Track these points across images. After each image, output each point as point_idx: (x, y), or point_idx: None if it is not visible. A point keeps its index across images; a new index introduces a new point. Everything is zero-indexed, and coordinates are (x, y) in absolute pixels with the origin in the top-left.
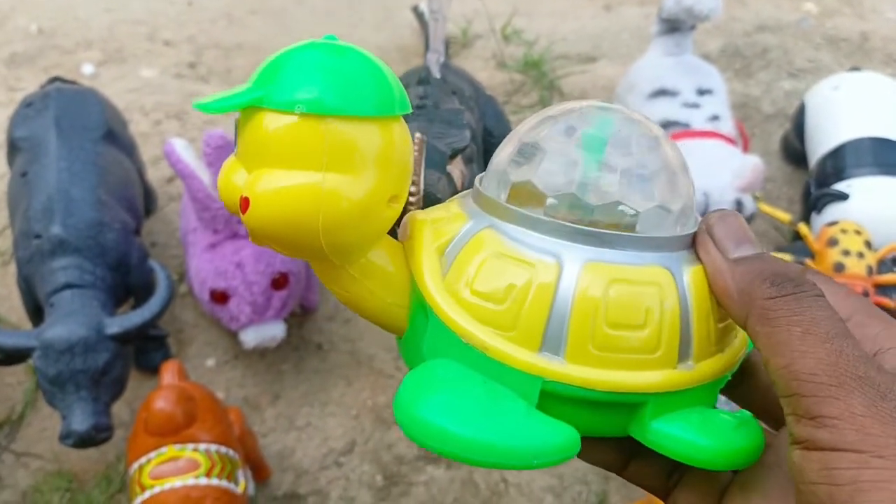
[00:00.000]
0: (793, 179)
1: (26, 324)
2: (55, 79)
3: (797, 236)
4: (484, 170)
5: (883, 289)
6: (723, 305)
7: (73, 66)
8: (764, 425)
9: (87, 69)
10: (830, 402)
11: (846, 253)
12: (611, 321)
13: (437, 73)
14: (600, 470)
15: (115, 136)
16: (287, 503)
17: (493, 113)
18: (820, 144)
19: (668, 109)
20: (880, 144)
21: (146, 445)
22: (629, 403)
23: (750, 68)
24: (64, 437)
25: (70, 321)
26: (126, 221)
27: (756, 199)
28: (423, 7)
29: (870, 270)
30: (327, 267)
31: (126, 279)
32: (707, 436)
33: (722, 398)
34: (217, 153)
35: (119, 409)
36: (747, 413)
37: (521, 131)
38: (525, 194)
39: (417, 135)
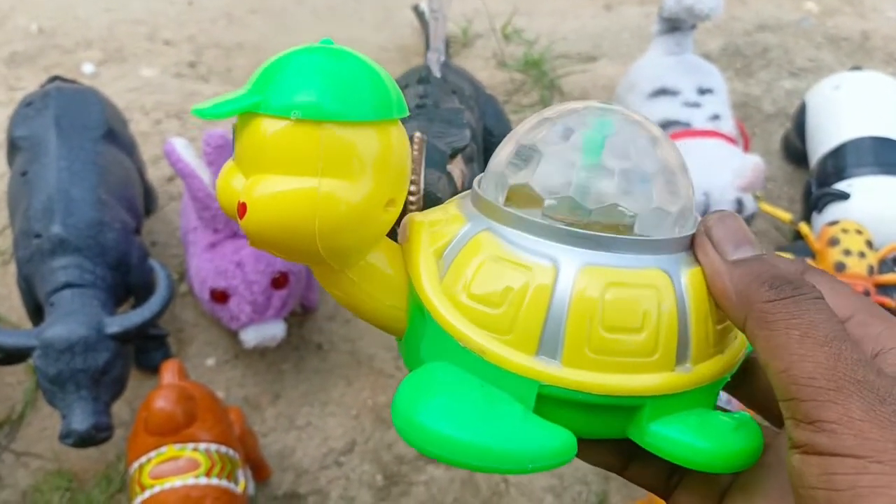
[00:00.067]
0: (793, 179)
1: (26, 323)
2: (55, 78)
3: (798, 236)
4: (484, 169)
5: (884, 288)
6: (721, 308)
7: (74, 65)
8: (767, 424)
9: (88, 68)
10: (829, 406)
11: (847, 252)
12: (607, 325)
13: (437, 73)
14: (600, 470)
15: (115, 135)
16: (287, 503)
17: (493, 112)
18: (821, 144)
19: (668, 109)
20: (881, 144)
21: (146, 445)
22: (627, 406)
23: (751, 67)
24: (64, 437)
25: (70, 320)
26: (126, 221)
27: (757, 198)
28: (424, 6)
29: (871, 270)
30: (326, 270)
31: (126, 279)
32: (705, 438)
33: (723, 395)
34: (217, 152)
35: (119, 409)
36: (746, 414)
37: (519, 133)
38: (523, 196)
39: (417, 134)
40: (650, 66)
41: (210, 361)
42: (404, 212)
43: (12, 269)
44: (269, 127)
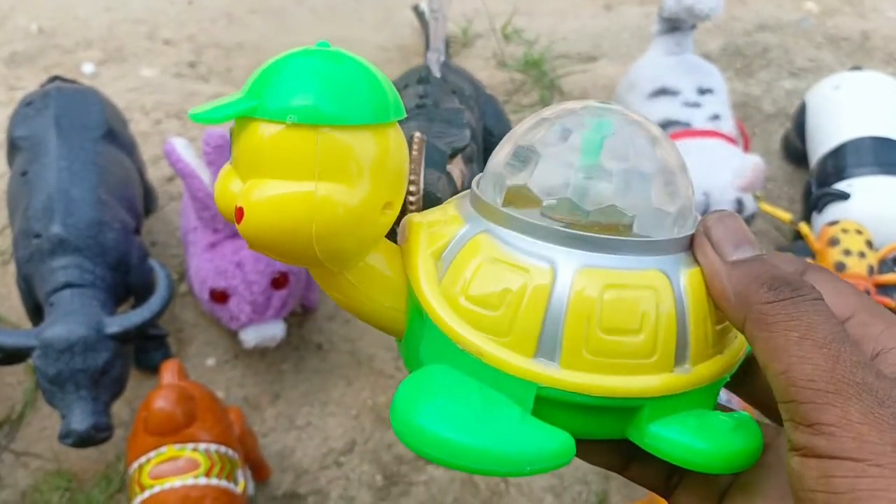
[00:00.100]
0: (794, 179)
1: (26, 323)
2: (55, 78)
3: (798, 236)
4: (483, 169)
5: (884, 288)
6: (720, 309)
7: (74, 65)
8: (769, 421)
9: (88, 68)
10: (828, 409)
11: (847, 252)
12: (605, 326)
13: (437, 73)
14: (600, 470)
15: (115, 135)
16: (287, 503)
17: (493, 112)
18: (821, 144)
19: (668, 109)
20: (881, 144)
21: (146, 445)
22: (625, 407)
23: (751, 67)
24: (63, 437)
25: (70, 320)
26: (126, 221)
27: (757, 198)
28: (424, 6)
29: (871, 270)
30: (325, 272)
31: (126, 278)
32: (704, 439)
33: (723, 394)
34: (217, 152)
35: (119, 409)
36: (745, 414)
37: (517, 134)
38: (522, 197)
39: (417, 134)
40: (650, 66)
41: (210, 361)
42: (404, 212)
43: (12, 268)
44: (265, 131)
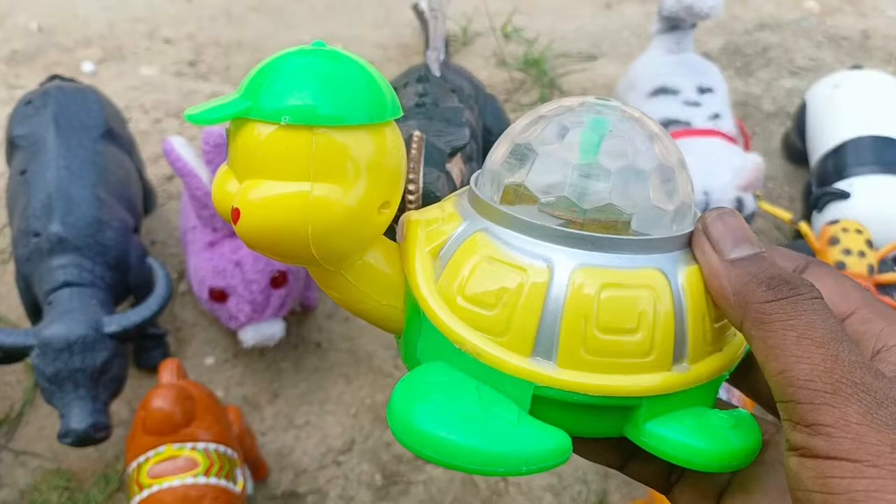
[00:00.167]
0: (794, 178)
1: (25, 322)
2: (55, 77)
3: (798, 235)
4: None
5: (884, 288)
6: (719, 308)
7: (73, 64)
8: (770, 417)
9: (87, 67)
10: (826, 409)
11: (847, 252)
12: (602, 326)
13: (436, 71)
14: (600, 469)
15: (114, 134)
16: (286, 502)
17: (493, 111)
18: (821, 143)
19: (668, 108)
20: (881, 143)
21: (145, 444)
22: (623, 406)
23: (751, 66)
24: (62, 436)
25: (69, 319)
26: (125, 220)
27: (757, 197)
28: (423, 5)
29: (871, 269)
30: (323, 271)
31: (125, 278)
32: (702, 438)
33: (722, 392)
34: (216, 151)
35: (118, 408)
36: (744, 412)
37: (515, 131)
38: (520, 194)
39: (416, 133)
40: (650, 65)
41: (209, 360)
42: (403, 210)
43: (11, 267)
44: (260, 132)
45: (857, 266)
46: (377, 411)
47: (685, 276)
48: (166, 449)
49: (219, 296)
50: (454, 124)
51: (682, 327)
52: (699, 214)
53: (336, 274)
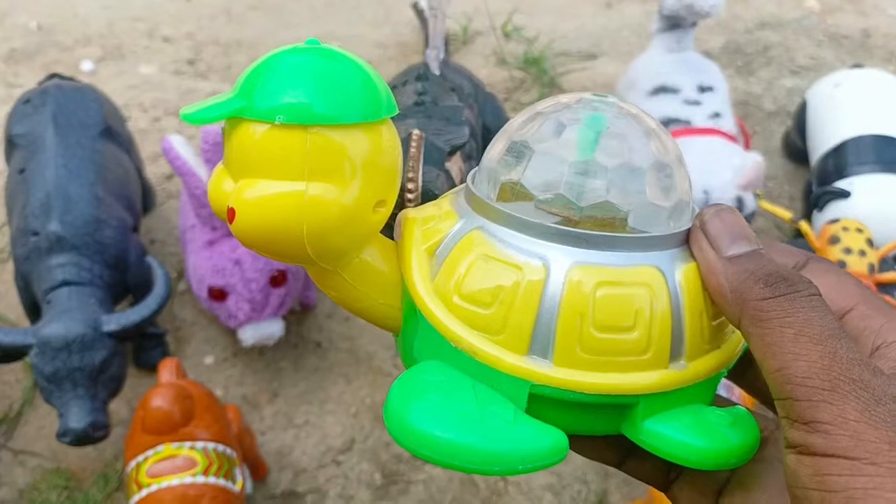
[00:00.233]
0: (794, 177)
1: (24, 321)
2: (54, 75)
3: (798, 234)
4: None
5: (884, 287)
6: (717, 305)
7: (73, 62)
8: (770, 414)
9: (87, 66)
10: (824, 406)
11: (848, 251)
12: (598, 324)
13: (436, 70)
14: (600, 469)
15: (113, 132)
16: (285, 501)
17: (493, 110)
18: (821, 142)
19: (668, 106)
20: (882, 142)
21: (143, 443)
22: (620, 404)
23: (751, 65)
24: (61, 435)
25: (67, 318)
26: (124, 218)
27: (757, 196)
28: (423, 3)
29: (871, 268)
30: (320, 270)
31: (124, 276)
32: (699, 436)
33: (722, 389)
34: (215, 149)
35: (117, 407)
36: (742, 409)
37: (511, 128)
38: (517, 192)
39: (416, 131)
40: (650, 64)
41: (208, 360)
42: (402, 208)
43: (10, 266)
44: (254, 131)
45: (857, 265)
46: (377, 411)
47: (682, 273)
48: (165, 448)
49: (218, 294)
50: (454, 123)
51: (680, 325)
52: (697, 211)
53: (333, 273)
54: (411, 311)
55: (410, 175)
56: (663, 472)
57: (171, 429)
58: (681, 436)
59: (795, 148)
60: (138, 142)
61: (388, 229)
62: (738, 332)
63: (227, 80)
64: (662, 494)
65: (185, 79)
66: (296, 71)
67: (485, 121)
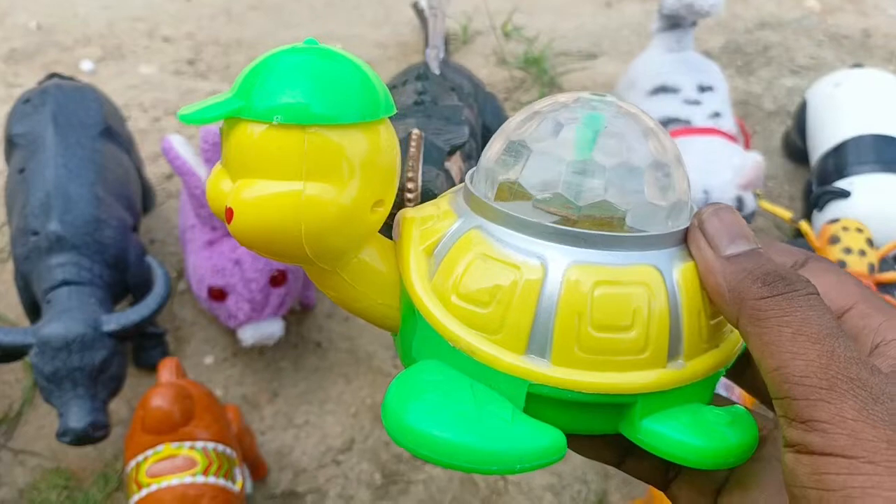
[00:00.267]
0: (794, 177)
1: (24, 321)
2: (53, 75)
3: (798, 234)
4: None
5: (884, 287)
6: (715, 304)
7: (72, 62)
8: (768, 414)
9: (86, 66)
10: (821, 405)
11: (848, 251)
12: (596, 323)
13: (436, 70)
14: (600, 469)
15: (113, 132)
16: (285, 501)
17: (493, 109)
18: (821, 142)
19: (668, 106)
20: (882, 141)
21: (143, 443)
22: (618, 404)
23: (751, 65)
24: (61, 435)
25: (67, 318)
26: (124, 218)
27: (757, 196)
28: (423, 3)
29: (871, 268)
30: (319, 270)
31: (124, 276)
32: (697, 435)
33: (724, 382)
34: (215, 149)
35: (117, 407)
36: (741, 408)
37: (509, 128)
38: (514, 191)
39: (415, 131)
40: (650, 64)
41: (208, 359)
42: (402, 208)
43: (10, 266)
44: (252, 131)
45: (857, 265)
46: (377, 411)
47: (680, 272)
48: (165, 448)
49: (218, 294)
50: (453, 122)
51: (678, 324)
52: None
53: (332, 272)
54: (410, 310)
55: (410, 175)
56: (662, 471)
57: (171, 428)
58: (679, 435)
59: (795, 148)
60: (138, 142)
61: (387, 229)
62: (736, 331)
63: (227, 80)
64: (662, 494)
65: (185, 79)
66: (294, 71)
67: (485, 120)
